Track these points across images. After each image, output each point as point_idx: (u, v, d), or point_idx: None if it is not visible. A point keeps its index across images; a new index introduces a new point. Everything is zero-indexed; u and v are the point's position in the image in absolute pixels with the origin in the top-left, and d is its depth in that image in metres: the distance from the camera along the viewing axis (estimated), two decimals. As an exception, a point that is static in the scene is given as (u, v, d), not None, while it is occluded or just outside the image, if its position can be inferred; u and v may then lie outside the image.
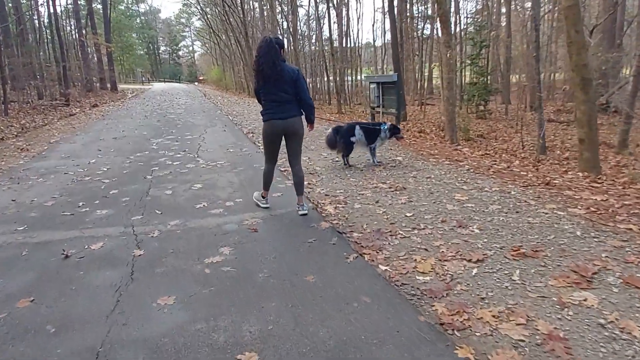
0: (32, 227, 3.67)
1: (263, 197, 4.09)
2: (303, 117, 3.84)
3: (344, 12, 27.08)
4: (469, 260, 2.77)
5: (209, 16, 41.83)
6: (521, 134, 10.69)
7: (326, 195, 4.45)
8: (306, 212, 3.84)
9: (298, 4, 31.21)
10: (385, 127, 5.60)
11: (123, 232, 3.50)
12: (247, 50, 30.80)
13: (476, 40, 18.26)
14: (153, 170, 5.70)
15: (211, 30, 43.08)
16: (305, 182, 4.94)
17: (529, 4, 23.37)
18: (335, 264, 2.79)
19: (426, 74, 27.56)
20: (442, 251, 2.94)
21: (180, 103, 19.47)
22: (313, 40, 31.20)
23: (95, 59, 28.79)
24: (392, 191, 4.45)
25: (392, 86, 10.05)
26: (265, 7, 33.29)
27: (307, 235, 3.33)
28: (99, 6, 31.16)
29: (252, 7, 33.67)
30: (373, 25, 48.80)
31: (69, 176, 5.49)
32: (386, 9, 20.74)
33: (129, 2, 56.20)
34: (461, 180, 4.74)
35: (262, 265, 2.81)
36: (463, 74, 20.81)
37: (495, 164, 5.76)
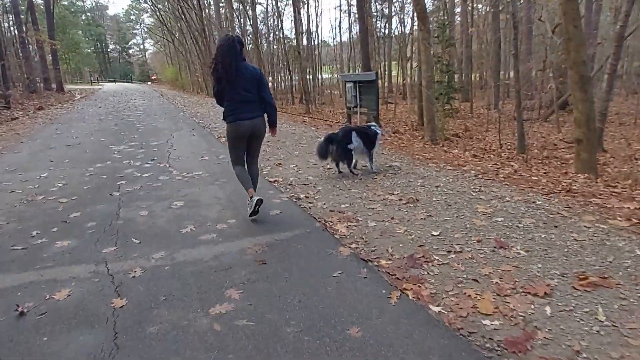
0: (-29, 269, 2.87)
1: (251, 198, 3.61)
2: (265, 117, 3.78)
3: (305, 10, 26.61)
4: (535, 295, 2.32)
5: (161, 13, 39.92)
6: (498, 133, 10.60)
7: (331, 211, 3.89)
8: (260, 198, 3.61)
9: (256, 1, 30.36)
10: (377, 129, 5.17)
11: (94, 271, 2.79)
12: (205, 48, 29.61)
13: (441, 38, 18.32)
14: (120, 185, 4.91)
15: (165, 28, 41.16)
16: (302, 195, 4.40)
17: (479, 5, 23.91)
18: (380, 309, 2.25)
19: (385, 72, 27.60)
20: (496, 282, 2.48)
21: (137, 104, 18.15)
22: (270, 39, 30.52)
23: (38, 57, 26.51)
24: (405, 204, 3.97)
25: (370, 85, 9.64)
26: (221, 4, 32.21)
27: (329, 266, 2.77)
28: (39, 0, 28.77)
29: (207, 4, 32.29)
30: (339, 22, 48.37)
31: (16, 195, 4.58)
32: (346, 7, 20.38)
33: (73, -3, 52.65)
34: (475, 188, 4.35)
35: (286, 313, 2.23)
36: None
37: (499, 167, 5.44)
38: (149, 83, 65.72)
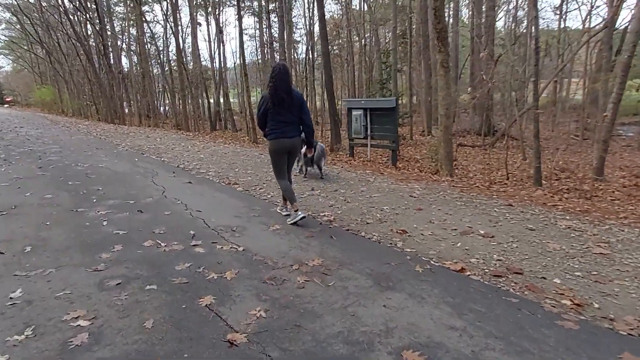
0: None
1: (287, 209, 4.34)
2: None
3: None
4: None
5: (33, 25, 33.03)
6: (505, 164, 9.91)
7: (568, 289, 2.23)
8: (304, 216, 4.15)
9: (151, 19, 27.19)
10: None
11: None
12: (106, 68, 25.22)
13: (388, 64, 17.94)
14: (212, 308, 2.53)
15: (37, 42, 34.22)
16: (548, 302, 2.64)
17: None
18: None
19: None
20: None
21: (34, 135, 13.60)
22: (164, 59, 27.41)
23: None
24: None
25: (389, 113, 8.19)
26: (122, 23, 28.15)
27: None
28: None
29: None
30: (240, 47, 46.43)
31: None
32: (253, 32, 18.98)
33: None
34: None
35: None
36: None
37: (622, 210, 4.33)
38: (6, 106, 54.97)
